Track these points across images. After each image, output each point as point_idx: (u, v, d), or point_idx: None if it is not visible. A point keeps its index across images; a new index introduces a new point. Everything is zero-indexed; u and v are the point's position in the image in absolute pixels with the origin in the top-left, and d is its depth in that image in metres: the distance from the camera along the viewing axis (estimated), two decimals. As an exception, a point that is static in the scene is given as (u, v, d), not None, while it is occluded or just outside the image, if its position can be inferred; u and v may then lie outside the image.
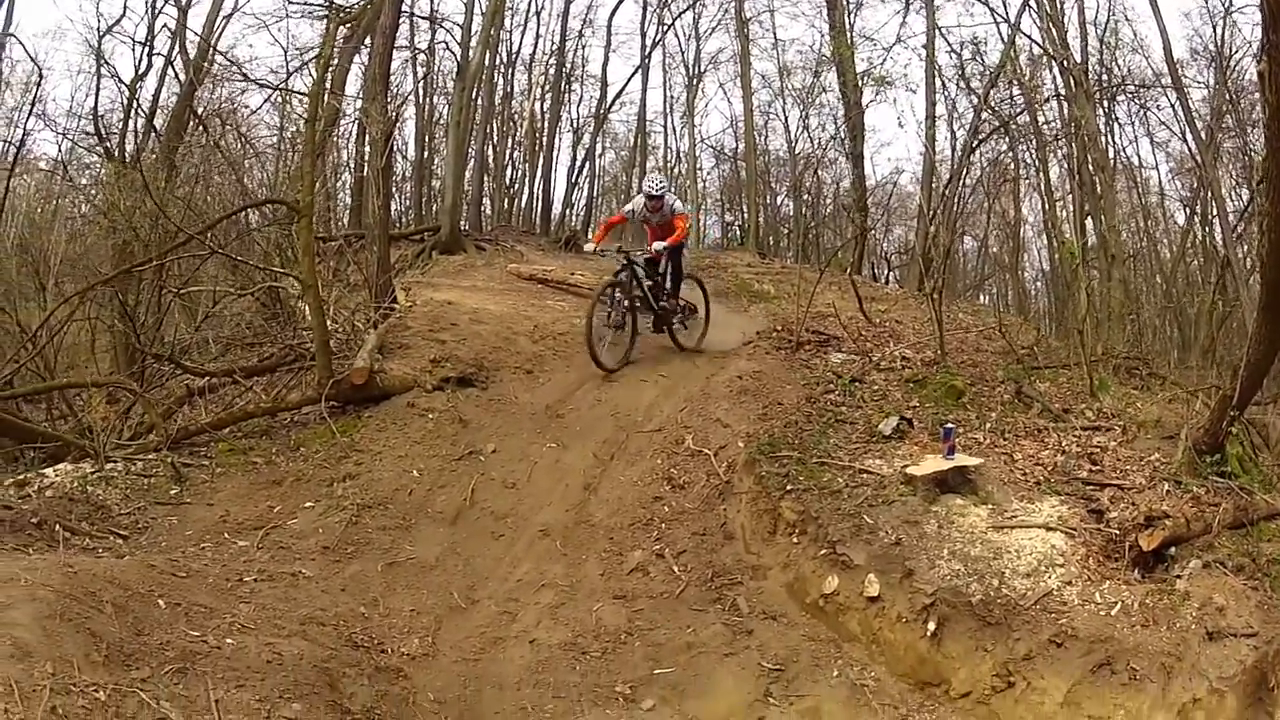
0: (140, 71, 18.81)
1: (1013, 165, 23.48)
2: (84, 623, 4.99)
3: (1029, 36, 20.69)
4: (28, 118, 18.17)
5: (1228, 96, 19.21)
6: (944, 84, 22.93)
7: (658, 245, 11.57)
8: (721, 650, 6.44)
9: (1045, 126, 21.46)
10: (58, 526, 7.21)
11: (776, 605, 6.92)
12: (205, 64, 19.10)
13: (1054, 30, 19.44)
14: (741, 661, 6.34)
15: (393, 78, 20.15)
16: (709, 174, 29.50)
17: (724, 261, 20.21)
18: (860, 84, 22.93)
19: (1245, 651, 5.59)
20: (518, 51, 26.68)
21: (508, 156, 27.05)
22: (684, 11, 27.46)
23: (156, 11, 18.96)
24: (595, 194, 27.80)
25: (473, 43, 22.55)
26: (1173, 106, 20.11)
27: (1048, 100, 21.08)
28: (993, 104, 21.29)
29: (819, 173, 26.24)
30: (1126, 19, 22.63)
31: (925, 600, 6.30)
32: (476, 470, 8.89)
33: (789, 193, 26.95)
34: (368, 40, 18.81)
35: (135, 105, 18.31)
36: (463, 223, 21.42)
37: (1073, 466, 7.76)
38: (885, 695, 6.06)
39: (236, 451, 9.25)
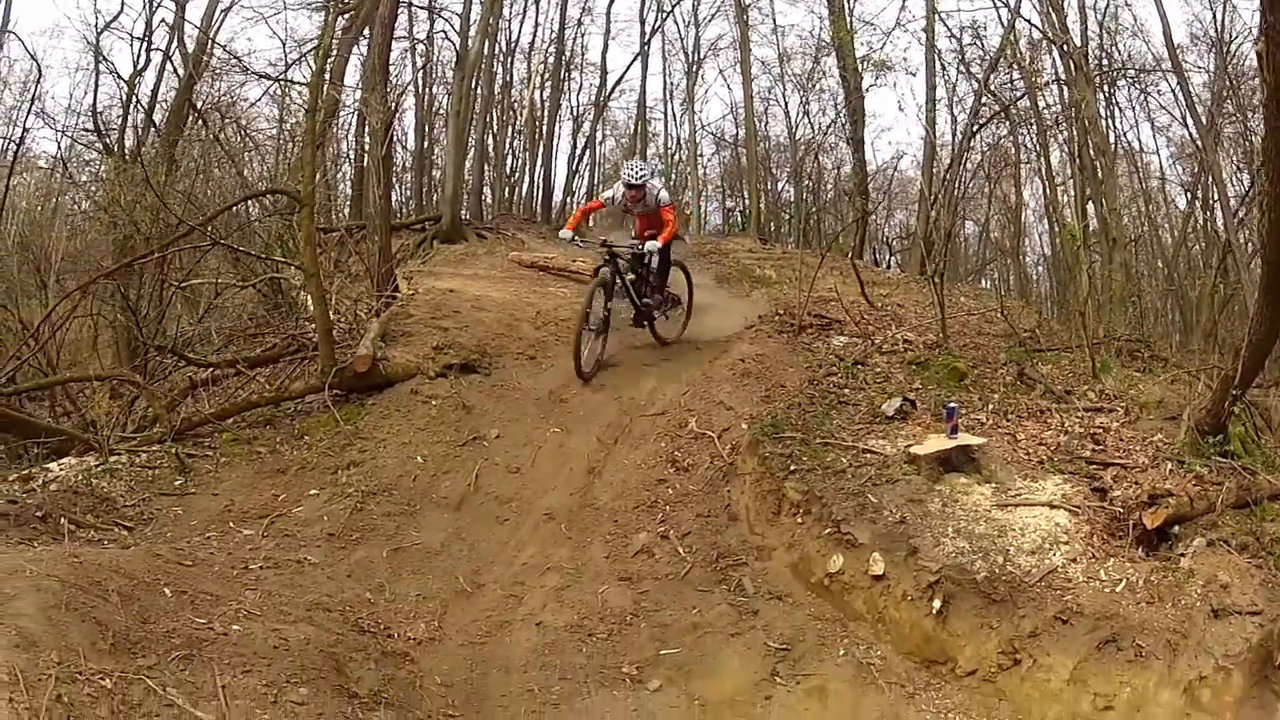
0: (139, 67, 18.84)
1: (1013, 150, 23.45)
2: (89, 612, 5.01)
3: (1029, 21, 20.65)
4: (27, 115, 18.15)
5: (1228, 81, 19.17)
6: (944, 68, 22.92)
7: (650, 245, 11.01)
8: (727, 630, 6.46)
9: (1046, 111, 21.44)
10: (63, 519, 7.21)
11: (782, 585, 6.93)
12: (204, 57, 19.07)
13: (1054, 14, 19.38)
14: (747, 641, 6.35)
15: (392, 68, 20.10)
16: (709, 160, 29.49)
17: (725, 247, 20.23)
18: (860, 69, 22.91)
19: (1251, 629, 5.58)
20: (517, 40, 26.67)
21: (508, 145, 27.03)
22: (682, -2, 27.48)
23: (154, 7, 18.96)
24: (596, 182, 27.71)
25: (471, 32, 22.51)
26: (1173, 91, 20.08)
27: (1048, 84, 21.04)
28: (993, 88, 21.27)
29: (820, 158, 26.23)
30: (1126, 3, 22.53)
31: (930, 578, 6.30)
32: (480, 456, 8.91)
33: (790, 178, 26.94)
34: (366, 31, 18.78)
35: (134, 100, 18.33)
36: (464, 212, 21.43)
37: (1076, 446, 7.75)
38: (891, 674, 6.07)
39: (240, 441, 9.26)
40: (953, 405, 7.82)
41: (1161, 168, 22.75)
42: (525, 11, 26.33)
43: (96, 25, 19.00)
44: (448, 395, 9.87)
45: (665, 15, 27.45)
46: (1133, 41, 21.04)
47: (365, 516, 7.99)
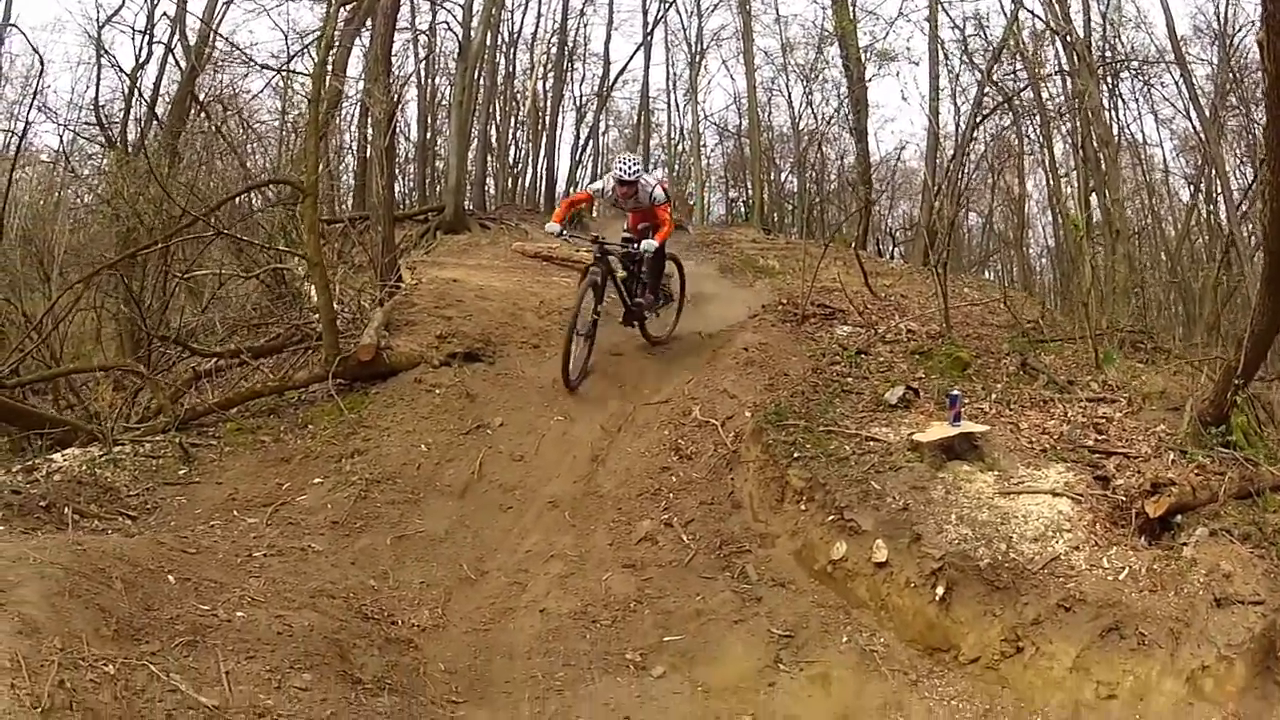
0: (141, 60, 18.81)
1: (1017, 141, 23.41)
2: (93, 599, 5.04)
3: (1032, 11, 20.62)
4: (29, 110, 18.12)
5: (1231, 74, 19.15)
6: (946, 58, 22.88)
7: (647, 244, 10.37)
8: (731, 617, 6.49)
9: (1049, 102, 21.42)
10: (66, 509, 7.20)
11: (785, 572, 6.95)
12: (207, 49, 19.08)
13: (1056, 5, 19.37)
14: (751, 628, 6.37)
15: (394, 59, 20.11)
16: (713, 151, 29.43)
17: (728, 237, 20.22)
18: (863, 59, 22.89)
19: (1253, 619, 5.61)
20: (519, 31, 26.58)
21: (511, 136, 27.01)
22: (686, -12, 27.44)
23: (156, 1, 18.98)
24: (599, 172, 27.59)
25: (474, 23, 22.48)
26: (1176, 84, 20.06)
27: (1051, 76, 21.01)
28: (996, 80, 21.23)
29: (823, 149, 26.20)
30: (1129, -6, 22.51)
31: (933, 565, 6.31)
32: (484, 444, 8.93)
33: (793, 169, 26.92)
34: (369, 22, 18.78)
35: (136, 94, 18.33)
36: (467, 202, 21.41)
37: (1078, 435, 7.78)
38: (895, 661, 6.09)
39: (244, 431, 9.26)
40: (955, 393, 7.84)
41: (1165, 160, 22.71)
42: (527, 2, 26.23)
43: (98, 19, 18.93)
44: (451, 384, 9.87)
45: (668, 5, 27.34)
46: (1136, 33, 21.02)
47: (369, 504, 8.00)
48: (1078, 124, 19.69)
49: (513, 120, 26.79)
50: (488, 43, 23.24)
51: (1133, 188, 21.65)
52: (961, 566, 6.25)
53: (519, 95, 26.77)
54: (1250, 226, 16.49)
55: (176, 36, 18.94)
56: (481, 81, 23.31)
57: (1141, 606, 5.81)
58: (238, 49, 20.36)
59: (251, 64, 20.48)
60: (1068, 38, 19.22)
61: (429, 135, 24.99)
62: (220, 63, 20.10)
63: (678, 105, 28.79)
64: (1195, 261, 19.79)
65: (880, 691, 5.84)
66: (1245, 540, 6.27)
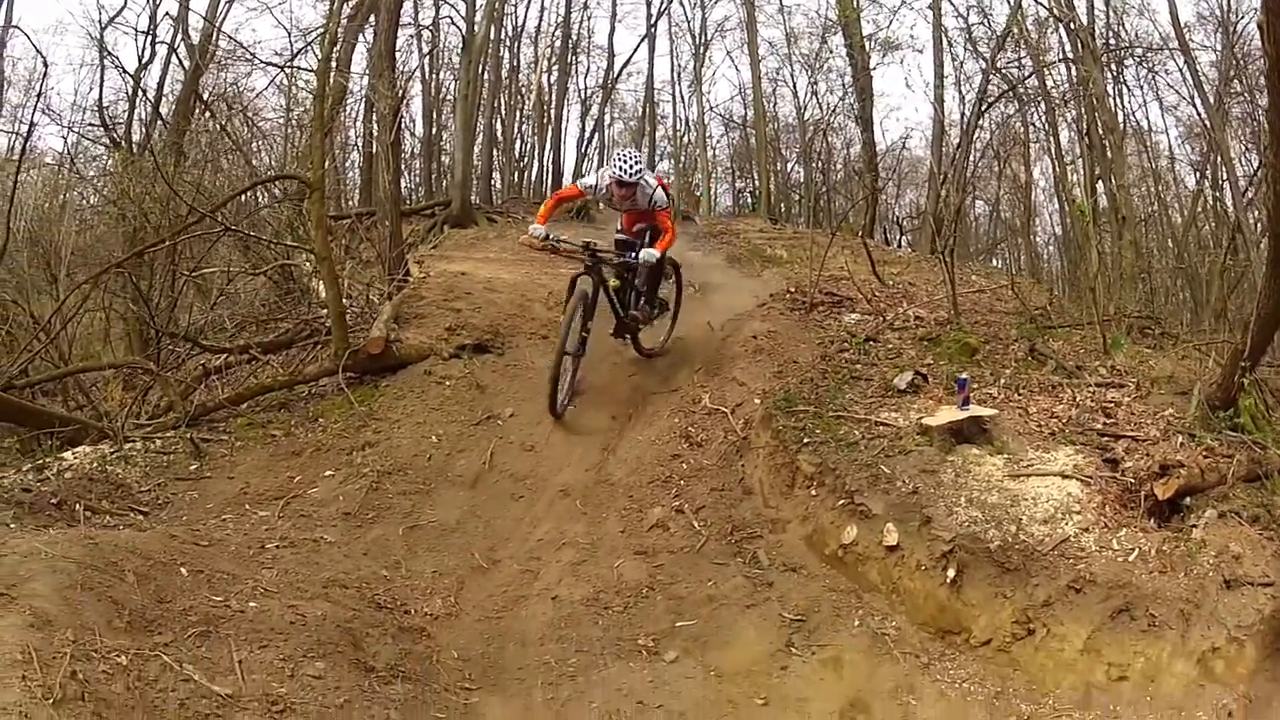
0: (144, 61, 18.91)
1: (1022, 128, 23.42)
2: (105, 591, 5.07)
3: (1035, -1, 20.62)
4: (33, 112, 18.18)
5: (1235, 61, 19.13)
6: (950, 46, 22.90)
7: (646, 254, 9.55)
8: (743, 602, 6.48)
9: (1054, 90, 21.41)
10: (78, 506, 7.22)
11: (796, 557, 6.96)
12: (210, 47, 19.13)
13: (1060, -9, 19.38)
14: (763, 613, 6.37)
15: (398, 55, 20.12)
16: (718, 142, 29.51)
17: (736, 228, 20.29)
18: (866, 47, 22.92)
19: (1263, 601, 5.61)
20: (523, 24, 26.72)
21: (516, 130, 27.11)
22: (689, -21, 27.48)
23: (158, 1, 19.04)
24: (605, 164, 27.78)
25: (477, 17, 22.52)
26: (1180, 71, 20.05)
27: (1055, 63, 21.00)
28: (1000, 68, 21.23)
29: (828, 138, 26.23)
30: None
31: (944, 547, 6.30)
32: (495, 434, 8.98)
33: (799, 159, 26.96)
34: (372, 18, 18.82)
35: (140, 94, 18.40)
36: (473, 196, 21.44)
37: (1087, 419, 7.77)
38: (906, 644, 6.09)
39: (255, 425, 9.29)
40: (963, 377, 7.84)
41: (1170, 147, 22.70)
42: (531, -4, 26.44)
43: (100, 21, 19.07)
44: (461, 375, 9.92)
45: (671, -3, 27.47)
46: (1139, 20, 21.02)
47: (381, 496, 8.04)
48: (1082, 111, 19.68)
49: (518, 114, 26.91)
50: (491, 37, 23.36)
51: (1138, 175, 21.66)
52: (972, 549, 6.24)
53: (524, 89, 26.87)
54: (1256, 213, 16.53)
55: (179, 36, 19.04)
56: (486, 76, 23.42)
57: (1151, 588, 5.80)
58: (242, 46, 20.46)
59: (255, 61, 20.58)
60: (1071, 25, 19.21)
61: (434, 130, 25.10)
62: (224, 61, 20.20)
63: (683, 97, 28.94)
64: (1202, 248, 19.78)
65: (892, 674, 5.84)
66: (1254, 522, 6.25)
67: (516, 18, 26.25)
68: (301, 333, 11.34)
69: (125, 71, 19.13)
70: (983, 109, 20.98)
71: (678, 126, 29.09)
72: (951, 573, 6.22)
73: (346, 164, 23.25)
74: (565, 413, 9.39)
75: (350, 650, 5.55)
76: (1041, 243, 26.37)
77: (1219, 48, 19.89)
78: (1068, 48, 20.14)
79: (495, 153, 25.49)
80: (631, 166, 9.59)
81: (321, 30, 18.38)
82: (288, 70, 20.64)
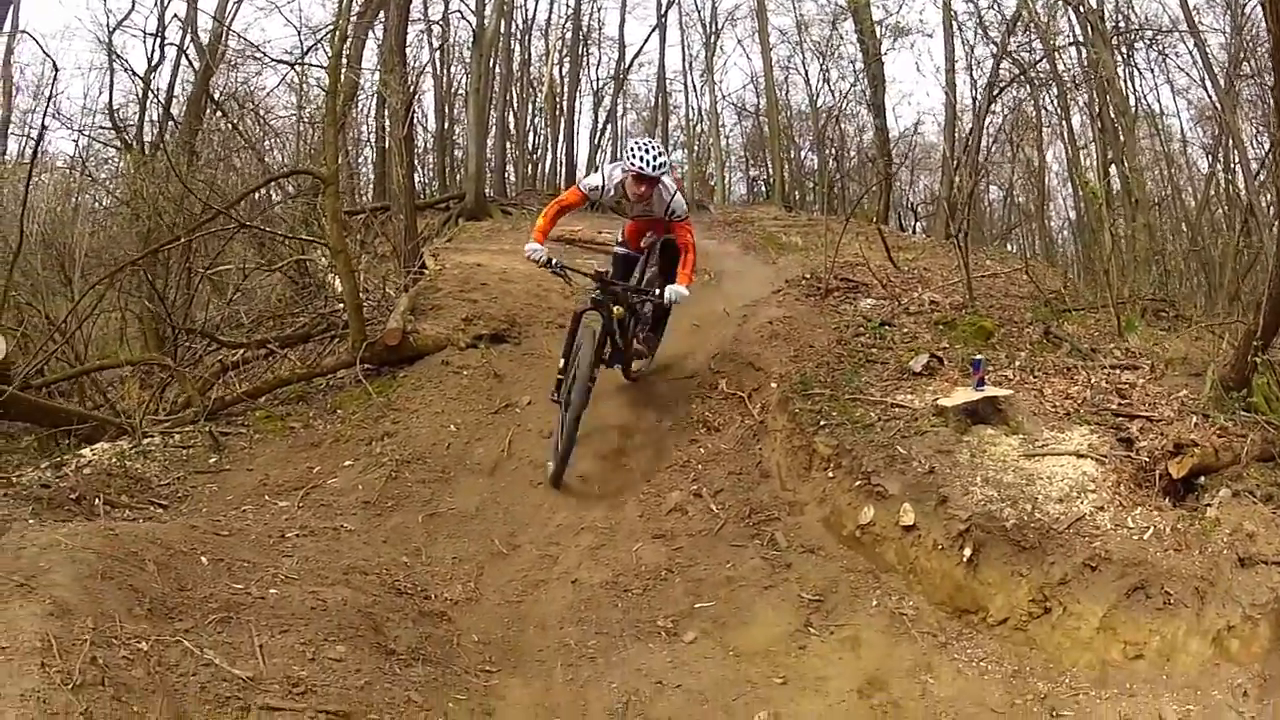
0: (153, 62, 19.01)
1: (1034, 112, 23.38)
2: (126, 580, 5.11)
3: (1045, -19, 20.58)
4: (44, 116, 18.26)
5: (1244, 43, 19.06)
6: (960, 30, 22.88)
7: (676, 292, 8.23)
8: (761, 583, 6.53)
9: (1065, 74, 21.37)
10: (97, 500, 7.27)
11: (814, 539, 6.99)
12: (220, 47, 19.21)
13: (1069, -26, 19.35)
14: (781, 594, 6.41)
15: (409, 50, 20.24)
16: (731, 130, 29.53)
17: (750, 216, 20.38)
18: (877, 33, 22.92)
19: (1278, 579, 5.60)
20: (533, 17, 26.81)
21: (529, 122, 27.18)
22: (699, -31, 27.53)
23: (166, 3, 19.13)
24: (619, 155, 27.80)
25: (487, 11, 22.64)
26: (1190, 53, 20.00)
27: (1066, 47, 20.96)
28: (1011, 51, 21.20)
29: (841, 125, 26.22)
30: (1141, -37, 22.43)
31: (960, 526, 6.32)
32: (513, 422, 9.03)
33: (812, 146, 26.96)
34: (382, 14, 18.89)
35: (151, 96, 18.48)
36: (487, 189, 21.51)
37: (1102, 400, 7.78)
38: (924, 623, 6.10)
39: (274, 418, 9.37)
40: (979, 359, 7.85)
41: (1182, 130, 22.64)
42: (540, -12, 26.50)
43: (108, 25, 19.18)
44: (479, 365, 9.97)
45: (681, -13, 27.51)
46: (1149, 3, 21.00)
47: (400, 484, 8.10)
48: (1094, 94, 19.65)
49: (530, 107, 26.93)
50: (502, 31, 23.39)
51: (1151, 158, 21.60)
52: (988, 527, 6.26)
53: (535, 82, 26.89)
54: (1269, 195, 16.45)
55: (188, 37, 19.12)
56: (497, 69, 23.49)
57: (1166, 565, 5.79)
58: (252, 45, 20.53)
59: (266, 59, 20.64)
60: (1080, 7, 19.17)
61: (447, 125, 25.19)
62: (234, 61, 20.29)
63: (695, 86, 29.00)
64: (1216, 230, 19.71)
65: (910, 654, 5.86)
66: (1268, 501, 6.24)
67: (526, 11, 26.38)
68: (318, 327, 11.40)
69: (135, 74, 19.28)
70: (995, 93, 20.95)
71: (690, 116, 29.17)
72: (968, 552, 6.24)
73: (359, 160, 23.35)
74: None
75: (371, 634, 5.59)
76: (1056, 227, 26.34)
77: (1228, 30, 19.83)
78: (1078, 31, 20.12)
79: (508, 146, 25.56)
80: (653, 156, 8.14)
81: (331, 27, 18.43)
82: (298, 68, 20.73)
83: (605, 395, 9.25)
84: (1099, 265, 12.77)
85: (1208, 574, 5.69)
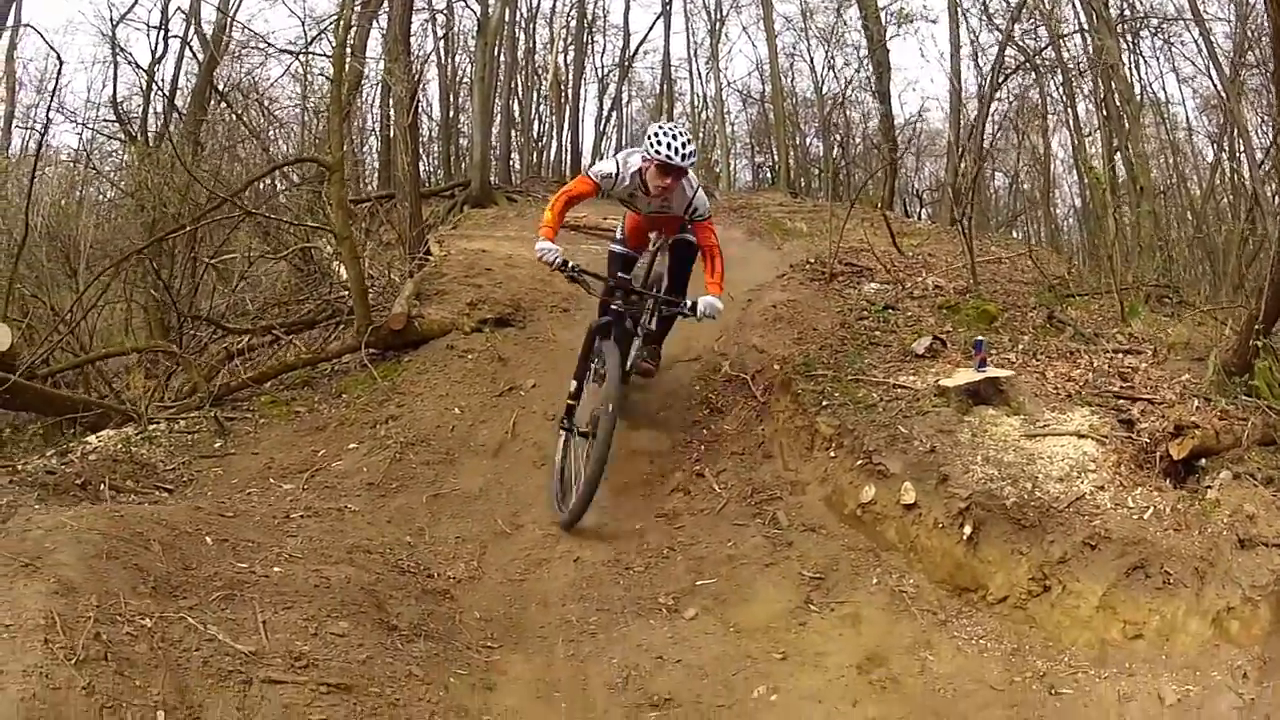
0: (157, 55, 19.05)
1: (1040, 100, 23.37)
2: (130, 560, 5.13)
3: (1049, -31, 20.55)
4: (49, 109, 18.29)
5: (1249, 32, 19.03)
6: (964, 17, 22.87)
7: (711, 306, 7.50)
8: (762, 561, 6.57)
9: (1071, 61, 21.34)
10: (102, 486, 7.29)
11: (815, 518, 7.04)
12: (224, 37, 19.25)
13: (1074, -37, 19.33)
14: (782, 571, 6.46)
15: (413, 38, 20.23)
16: (737, 117, 29.55)
17: (756, 202, 20.43)
18: (882, 19, 22.92)
19: (1278, 562, 5.59)
20: (537, 5, 26.87)
21: (534, 110, 27.20)
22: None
23: (170, -6, 19.18)
24: (624, 142, 27.84)
25: (491, -1, 22.60)
26: (1196, 42, 19.96)
27: (1071, 34, 20.93)
28: (1016, 39, 21.18)
29: (847, 112, 26.24)
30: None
31: (960, 505, 6.35)
32: (517, 405, 9.04)
33: (818, 133, 26.98)
34: (386, 4, 18.91)
35: (155, 88, 18.52)
36: (492, 177, 21.54)
37: (1104, 383, 7.80)
38: (924, 601, 6.14)
39: (279, 403, 9.40)
40: (980, 339, 7.89)
41: (1188, 119, 22.61)
42: (545, -24, 26.51)
43: (111, 18, 19.16)
44: (483, 349, 9.99)
45: (686, -26, 27.53)
46: (1153, -8, 20.92)
47: (404, 466, 8.11)
48: (1098, 80, 19.63)
49: (535, 95, 26.96)
50: (506, 18, 23.37)
51: (1157, 147, 21.57)
52: (988, 505, 6.28)
53: (540, 70, 26.91)
54: (1274, 184, 16.44)
55: (192, 29, 19.16)
56: (502, 57, 23.52)
57: (1166, 545, 5.80)
58: (256, 35, 20.57)
59: (270, 48, 20.66)
60: (1083, -7, 19.16)
61: (451, 114, 25.21)
62: (238, 52, 20.32)
63: (700, 73, 29.04)
64: (1221, 219, 19.69)
65: (910, 630, 5.88)
66: (1269, 484, 6.25)
67: (531, -1, 26.37)
68: (324, 313, 11.44)
69: (139, 67, 19.31)
70: (1000, 80, 20.94)
71: (695, 103, 29.19)
72: (968, 530, 6.27)
73: (364, 149, 23.38)
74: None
75: (373, 611, 5.61)
76: (1061, 215, 26.33)
77: (1233, 19, 19.80)
78: (1083, 18, 20.08)
79: (513, 134, 25.61)
80: (682, 144, 7.10)
81: (336, 17, 18.45)
82: (303, 58, 20.74)
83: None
84: (1103, 251, 12.78)
85: (1207, 554, 5.69)
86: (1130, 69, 20.33)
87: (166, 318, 12.16)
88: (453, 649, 5.63)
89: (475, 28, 23.41)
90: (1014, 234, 24.08)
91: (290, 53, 20.86)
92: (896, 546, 6.64)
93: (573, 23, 26.96)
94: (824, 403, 7.75)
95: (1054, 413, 7.32)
